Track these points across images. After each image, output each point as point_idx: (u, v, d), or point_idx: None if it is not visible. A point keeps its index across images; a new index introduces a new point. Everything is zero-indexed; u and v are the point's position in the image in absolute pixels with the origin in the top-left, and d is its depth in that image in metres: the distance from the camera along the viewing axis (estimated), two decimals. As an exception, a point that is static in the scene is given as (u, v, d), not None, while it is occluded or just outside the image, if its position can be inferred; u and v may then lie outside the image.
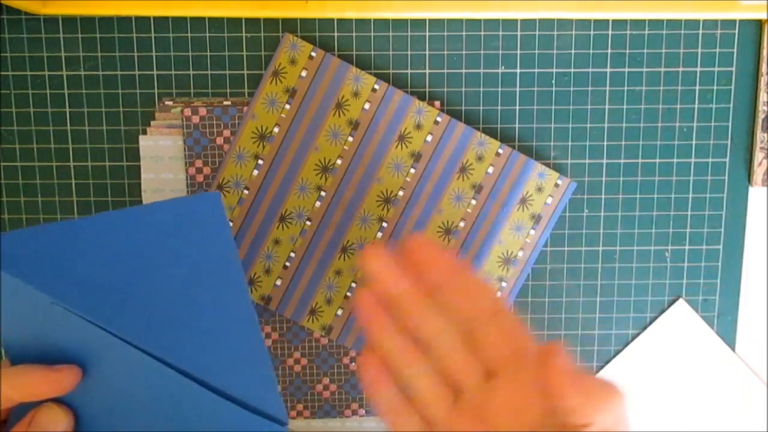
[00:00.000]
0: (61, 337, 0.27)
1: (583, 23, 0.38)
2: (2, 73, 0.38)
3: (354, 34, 0.38)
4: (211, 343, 0.28)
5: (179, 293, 0.28)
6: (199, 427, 0.28)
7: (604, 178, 0.39)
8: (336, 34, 0.38)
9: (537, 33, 0.38)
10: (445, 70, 0.38)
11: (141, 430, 0.28)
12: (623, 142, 0.39)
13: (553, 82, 0.39)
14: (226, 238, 0.28)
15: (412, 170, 0.38)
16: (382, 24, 0.38)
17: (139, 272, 0.27)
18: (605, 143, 0.39)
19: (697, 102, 0.39)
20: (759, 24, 0.38)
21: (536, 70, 0.39)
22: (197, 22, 0.38)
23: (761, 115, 0.39)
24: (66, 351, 0.27)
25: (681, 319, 0.40)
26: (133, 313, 0.27)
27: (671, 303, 0.40)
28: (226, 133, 0.38)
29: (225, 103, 0.38)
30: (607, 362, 0.41)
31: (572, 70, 0.39)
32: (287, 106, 0.37)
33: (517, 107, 0.39)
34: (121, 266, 0.27)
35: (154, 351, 0.27)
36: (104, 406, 0.28)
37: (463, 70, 0.38)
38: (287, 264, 0.38)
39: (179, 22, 0.38)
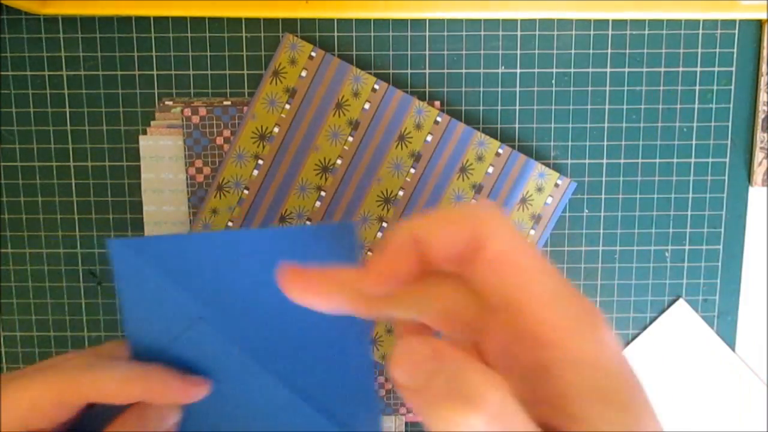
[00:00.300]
0: (195, 347, 0.27)
1: (583, 23, 0.38)
2: (2, 73, 0.38)
3: (354, 34, 0.38)
4: (327, 372, 0.29)
5: (305, 319, 0.28)
6: None
7: (604, 178, 0.39)
8: (336, 34, 0.38)
9: (537, 33, 0.38)
10: (445, 70, 0.38)
11: None
12: (623, 142, 0.39)
13: (553, 82, 0.39)
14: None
15: (412, 170, 0.38)
16: (382, 24, 0.38)
17: (270, 292, 0.27)
18: (605, 143, 0.39)
19: (697, 102, 0.39)
20: (759, 24, 0.38)
21: (536, 70, 0.39)
22: (197, 22, 0.38)
23: (761, 115, 0.39)
24: (196, 359, 0.28)
25: (681, 319, 0.40)
26: (259, 331, 0.28)
27: (671, 303, 0.40)
28: (226, 133, 0.38)
29: (225, 103, 0.38)
30: (607, 362, 0.41)
31: (572, 70, 0.39)
32: (287, 106, 0.37)
33: (517, 107, 0.39)
34: (254, 283, 0.28)
35: (276, 374, 0.28)
36: (213, 412, 0.28)
37: (463, 70, 0.38)
38: (287, 264, 0.38)
39: (179, 22, 0.38)
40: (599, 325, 0.18)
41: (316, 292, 0.21)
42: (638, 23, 0.38)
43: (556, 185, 0.38)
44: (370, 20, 0.38)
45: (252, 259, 0.28)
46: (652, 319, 0.41)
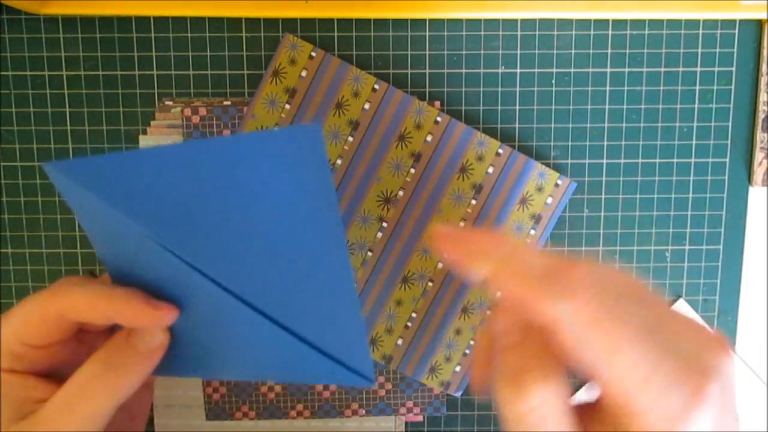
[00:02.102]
0: (153, 268, 0.26)
1: (583, 23, 0.38)
2: (2, 73, 0.38)
3: (354, 34, 0.38)
4: (301, 288, 0.26)
5: (271, 231, 0.25)
6: (285, 373, 0.27)
7: (604, 178, 0.39)
8: (336, 34, 0.38)
9: (537, 33, 0.38)
10: (445, 70, 0.38)
11: (225, 365, 0.27)
12: (623, 142, 0.39)
13: (553, 82, 0.39)
14: (324, 176, 0.25)
15: (412, 170, 0.38)
16: (382, 24, 0.38)
17: (230, 207, 0.25)
18: (605, 143, 0.39)
19: (697, 102, 0.39)
20: (759, 24, 0.38)
21: (536, 70, 0.39)
22: (197, 22, 0.38)
23: (761, 115, 0.39)
24: (159, 281, 0.26)
25: (681, 319, 0.40)
26: (222, 251, 0.25)
27: (671, 303, 0.40)
28: (226, 133, 0.38)
29: (225, 103, 0.38)
30: (607, 362, 0.41)
31: (572, 70, 0.39)
32: (287, 106, 0.37)
33: (517, 107, 0.39)
34: (211, 199, 0.25)
35: (241, 292, 0.26)
36: (193, 335, 0.27)
37: (463, 70, 0.38)
38: (287, 264, 0.38)
39: (179, 22, 0.38)
40: (697, 402, 0.18)
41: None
42: (638, 23, 0.38)
43: (556, 185, 0.38)
44: (370, 20, 0.38)
45: (211, 172, 0.25)
46: (652, 319, 0.41)
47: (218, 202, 0.25)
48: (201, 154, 0.25)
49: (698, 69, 0.39)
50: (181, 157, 0.25)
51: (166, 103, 0.38)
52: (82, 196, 0.25)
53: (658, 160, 0.39)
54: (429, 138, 0.38)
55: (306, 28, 0.38)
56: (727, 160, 0.39)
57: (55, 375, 0.28)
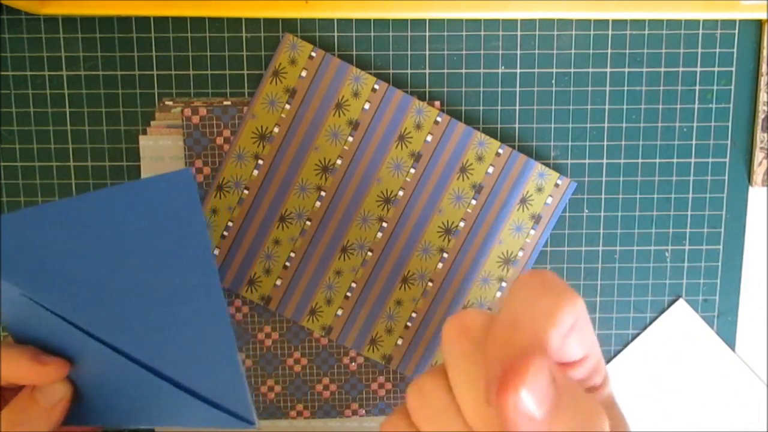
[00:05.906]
0: (39, 326, 0.27)
1: (583, 23, 0.38)
2: (2, 73, 0.38)
3: (354, 34, 0.38)
4: (179, 336, 0.27)
5: (147, 281, 0.26)
6: (171, 419, 0.28)
7: (604, 178, 0.39)
8: (336, 34, 0.38)
9: (537, 33, 0.38)
10: (445, 70, 0.38)
11: (123, 413, 0.28)
12: (623, 142, 0.39)
13: (553, 82, 0.39)
14: (198, 220, 0.26)
15: (412, 170, 0.38)
16: (382, 24, 0.38)
17: (106, 259, 0.26)
18: (605, 143, 0.39)
19: (697, 102, 0.39)
20: (759, 24, 0.38)
21: (536, 70, 0.39)
22: (197, 22, 0.38)
23: (761, 115, 0.39)
24: (49, 338, 0.27)
25: (681, 319, 0.40)
26: (99, 304, 0.26)
27: (671, 303, 0.40)
28: (226, 133, 0.38)
29: (225, 103, 0.38)
30: (608, 362, 0.41)
31: (572, 70, 0.39)
32: (287, 106, 0.37)
33: (517, 107, 0.39)
34: (87, 253, 0.26)
35: (119, 344, 0.26)
36: (92, 386, 0.28)
37: (463, 70, 0.38)
38: (287, 264, 0.38)
39: (179, 22, 0.38)
40: None
41: None
42: (638, 23, 0.38)
43: (556, 185, 0.38)
44: (370, 20, 0.38)
45: (85, 227, 0.25)
46: (652, 319, 0.41)
47: (93, 256, 0.26)
48: (76, 210, 0.25)
49: (698, 69, 0.39)
50: (57, 215, 0.25)
51: (166, 103, 0.38)
52: None
53: (658, 160, 0.39)
54: (429, 138, 0.38)
55: (306, 28, 0.38)
56: (727, 160, 0.39)
57: None
